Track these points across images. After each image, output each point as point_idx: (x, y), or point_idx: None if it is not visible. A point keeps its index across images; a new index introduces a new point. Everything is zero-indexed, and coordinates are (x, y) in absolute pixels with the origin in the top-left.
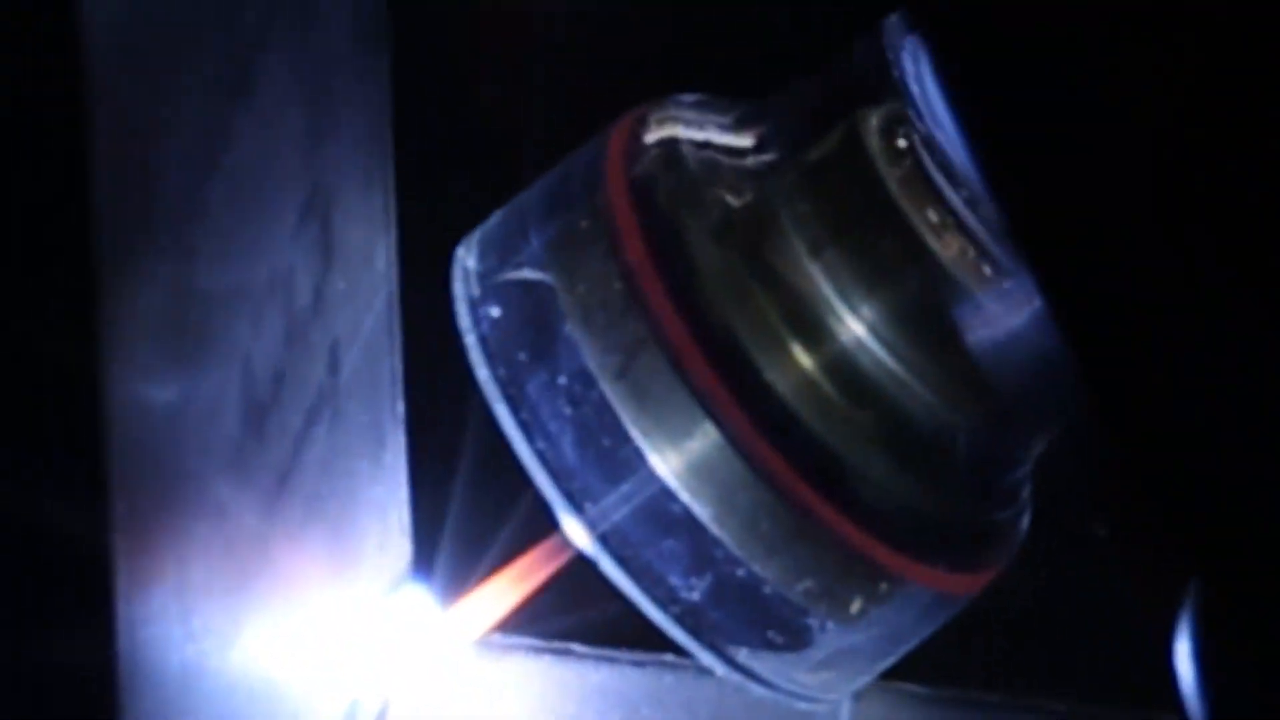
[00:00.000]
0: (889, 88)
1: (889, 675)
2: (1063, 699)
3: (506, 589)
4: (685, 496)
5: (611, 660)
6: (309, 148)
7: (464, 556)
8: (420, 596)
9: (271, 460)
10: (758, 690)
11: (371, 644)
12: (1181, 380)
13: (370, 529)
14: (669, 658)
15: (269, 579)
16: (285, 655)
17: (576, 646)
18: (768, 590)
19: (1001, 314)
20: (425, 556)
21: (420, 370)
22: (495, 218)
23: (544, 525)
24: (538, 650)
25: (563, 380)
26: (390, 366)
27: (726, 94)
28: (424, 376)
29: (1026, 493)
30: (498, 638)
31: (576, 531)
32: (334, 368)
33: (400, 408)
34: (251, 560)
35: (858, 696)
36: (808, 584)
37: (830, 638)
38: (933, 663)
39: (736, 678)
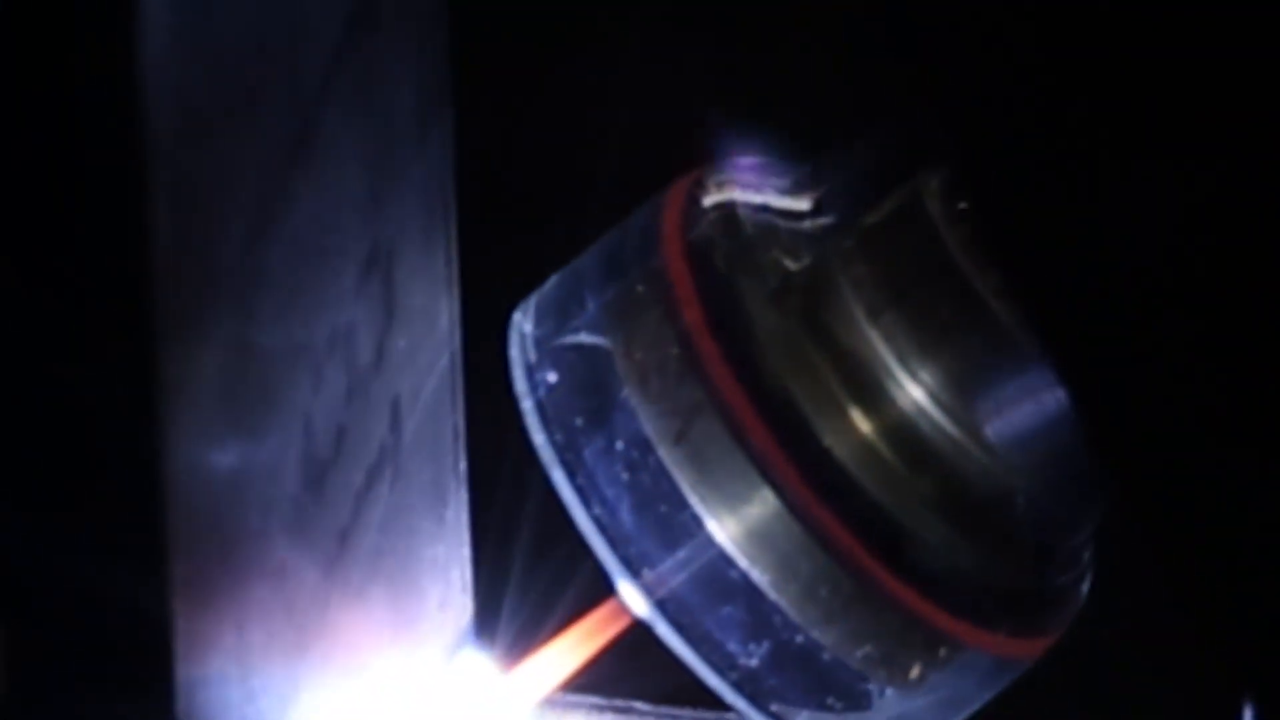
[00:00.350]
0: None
1: None
2: None
3: (566, 653)
4: (743, 563)
5: (674, 719)
6: (371, 206)
7: (525, 617)
8: (481, 660)
9: (332, 519)
10: None
11: (432, 707)
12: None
13: (432, 588)
14: (731, 717)
15: (329, 640)
16: (344, 718)
17: (639, 704)
18: (826, 657)
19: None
20: (487, 616)
21: (483, 428)
22: (551, 282)
23: (604, 588)
24: (600, 709)
25: (620, 446)
26: (453, 424)
27: (784, 157)
28: (487, 435)
29: (1087, 557)
30: (559, 695)
31: (634, 597)
32: (396, 425)
33: (463, 466)
34: (311, 621)
35: None
36: (867, 650)
37: (889, 704)
38: None
39: None
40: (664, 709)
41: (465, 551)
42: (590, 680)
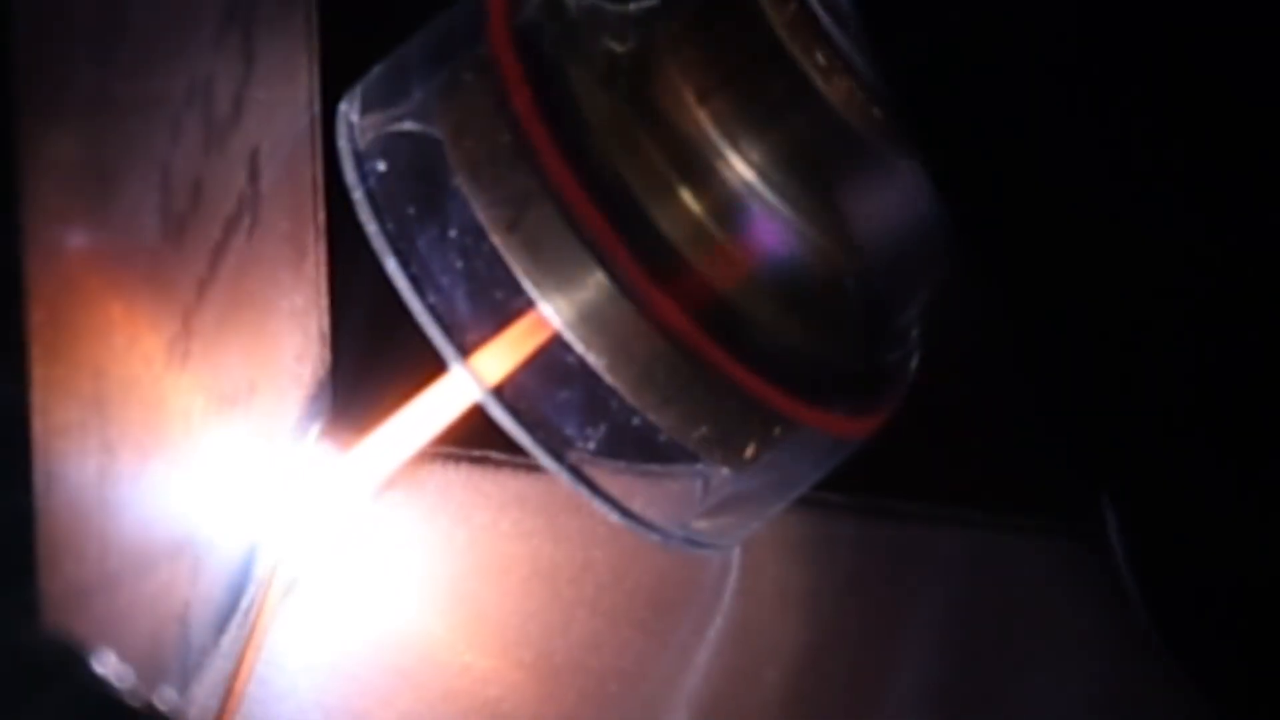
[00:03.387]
0: None
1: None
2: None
3: (406, 431)
4: (579, 347)
5: (530, 468)
6: None
7: (382, 375)
8: (333, 429)
9: (190, 270)
10: (653, 538)
11: (284, 477)
12: None
13: (289, 339)
14: None
15: (186, 393)
16: (200, 469)
17: (494, 454)
18: (663, 439)
19: (890, 157)
20: (345, 377)
21: (342, 181)
22: (376, 70)
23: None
24: (455, 458)
25: (453, 234)
26: (312, 175)
27: None
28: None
29: (916, 335)
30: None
31: (470, 383)
32: (254, 177)
33: (322, 217)
34: (170, 371)
35: None
36: (703, 431)
37: (724, 484)
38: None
39: (632, 525)
40: (520, 458)
41: (324, 303)
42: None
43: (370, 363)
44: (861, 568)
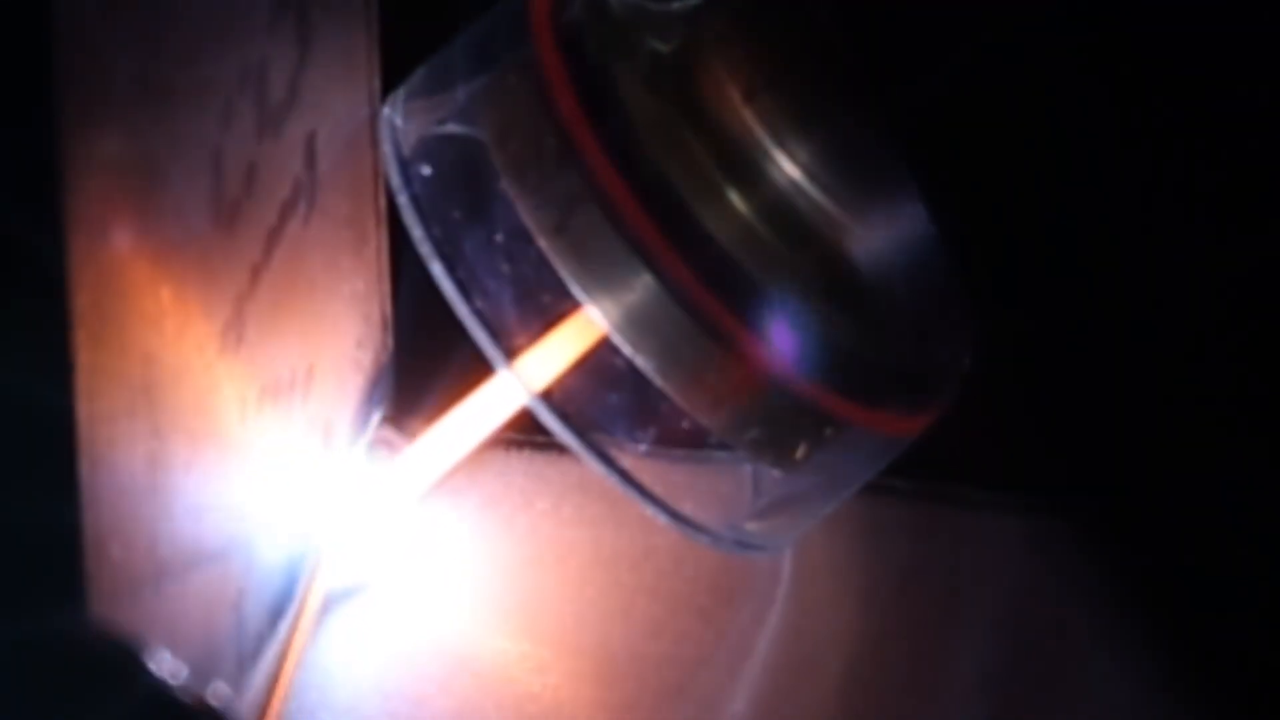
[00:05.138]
0: None
1: None
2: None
3: (456, 434)
4: (628, 349)
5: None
6: None
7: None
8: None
9: (244, 256)
10: (703, 540)
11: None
12: None
13: (350, 324)
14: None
15: (240, 376)
16: (254, 455)
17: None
18: (712, 441)
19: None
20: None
21: None
22: (419, 73)
23: None
24: (517, 444)
25: (499, 238)
26: (372, 160)
27: None
28: None
29: (967, 332)
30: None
31: (519, 388)
32: (311, 162)
33: (383, 202)
34: (222, 356)
35: None
36: (754, 433)
37: (774, 486)
38: None
39: (682, 528)
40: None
41: (385, 288)
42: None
43: (431, 348)
44: (920, 554)
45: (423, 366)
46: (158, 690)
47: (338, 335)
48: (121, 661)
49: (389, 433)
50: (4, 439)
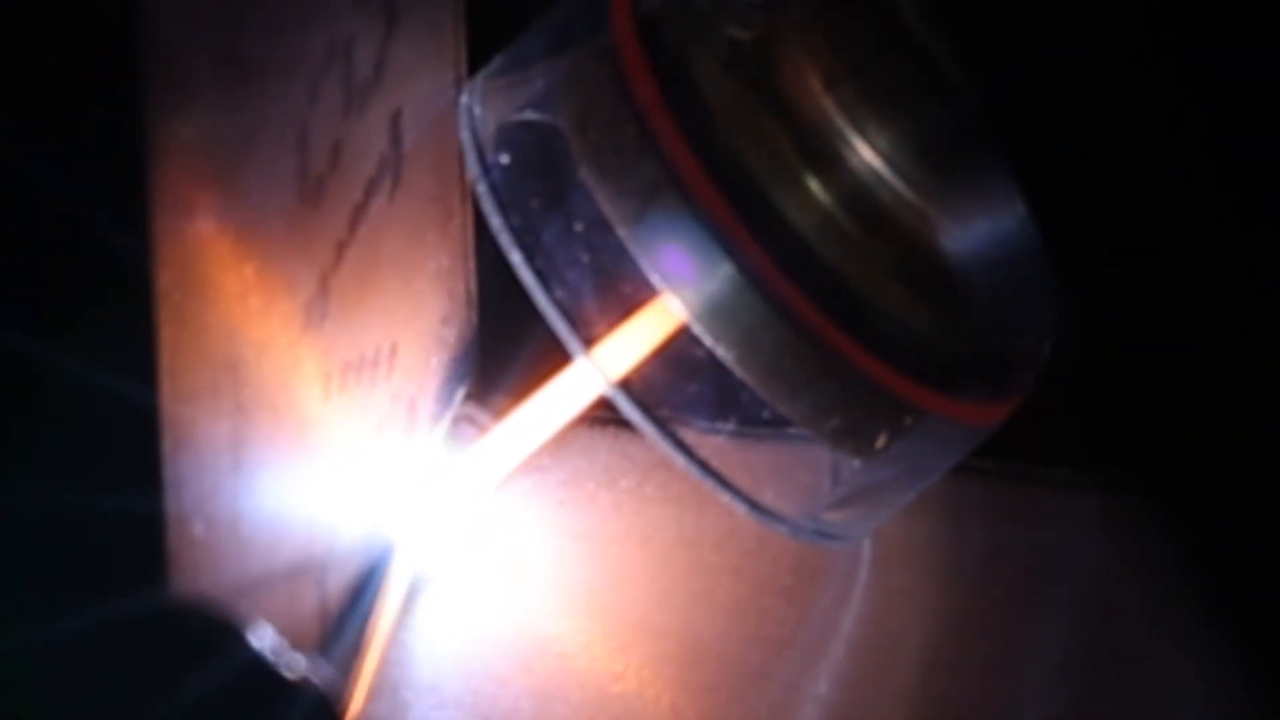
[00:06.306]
0: None
1: None
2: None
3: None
4: (708, 339)
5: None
6: None
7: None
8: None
9: (329, 231)
10: (782, 530)
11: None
12: None
13: (435, 300)
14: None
15: (325, 352)
16: (338, 431)
17: None
18: (793, 431)
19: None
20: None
21: None
22: (497, 61)
23: None
24: (602, 421)
25: (579, 227)
26: (457, 137)
27: None
28: None
29: (1048, 319)
30: None
31: (598, 377)
32: (396, 139)
33: (467, 179)
34: (307, 333)
35: None
36: (834, 422)
37: (854, 475)
38: None
39: (761, 518)
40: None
41: (470, 265)
42: None
43: (515, 324)
44: (1002, 534)
45: (506, 342)
46: (259, 664)
47: (422, 312)
48: (222, 635)
49: (473, 409)
50: (87, 417)
